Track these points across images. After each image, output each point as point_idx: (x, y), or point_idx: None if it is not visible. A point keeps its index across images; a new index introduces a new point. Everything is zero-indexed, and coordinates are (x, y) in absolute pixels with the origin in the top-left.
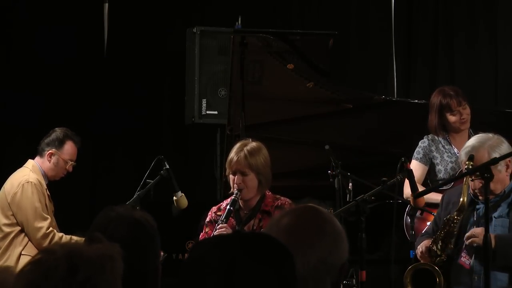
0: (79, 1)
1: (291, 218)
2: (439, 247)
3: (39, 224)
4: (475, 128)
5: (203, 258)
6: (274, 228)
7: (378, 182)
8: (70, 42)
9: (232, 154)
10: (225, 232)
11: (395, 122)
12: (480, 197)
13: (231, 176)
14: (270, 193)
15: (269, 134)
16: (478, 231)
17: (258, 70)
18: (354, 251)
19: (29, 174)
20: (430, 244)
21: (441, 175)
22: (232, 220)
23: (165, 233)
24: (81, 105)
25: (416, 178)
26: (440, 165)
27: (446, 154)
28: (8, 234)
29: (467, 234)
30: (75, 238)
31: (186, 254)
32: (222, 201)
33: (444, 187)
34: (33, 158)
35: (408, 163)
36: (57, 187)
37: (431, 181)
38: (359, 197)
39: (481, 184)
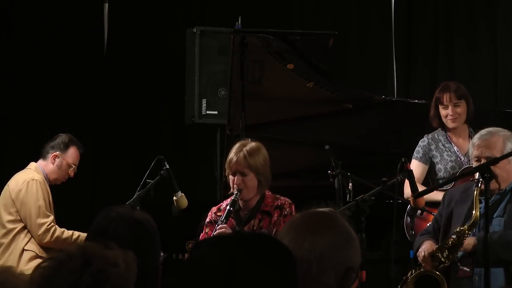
0: (79, 1)
1: (308, 212)
2: (444, 255)
3: (42, 221)
4: (475, 128)
5: (203, 259)
6: (290, 220)
7: (378, 182)
8: (70, 42)
9: (232, 155)
10: (225, 232)
11: (395, 122)
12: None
13: (230, 177)
14: (270, 193)
15: (269, 134)
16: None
17: (258, 70)
18: None
19: (34, 174)
20: (434, 251)
21: (441, 174)
22: (232, 220)
23: (165, 233)
24: (81, 105)
25: (415, 178)
26: (440, 164)
27: (446, 153)
28: (11, 230)
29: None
30: (77, 233)
31: (186, 254)
32: (222, 201)
33: (444, 187)
34: (35, 161)
35: (408, 163)
36: (57, 187)
37: (432, 180)
38: (359, 197)
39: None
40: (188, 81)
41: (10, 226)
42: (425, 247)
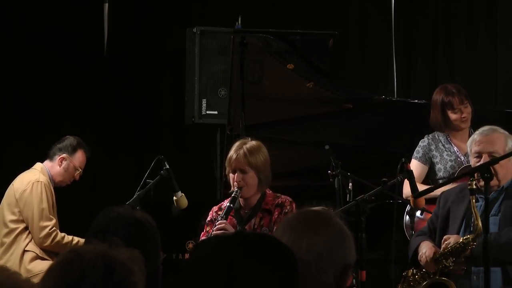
0: (79, 1)
1: (303, 211)
2: (449, 262)
3: (44, 224)
4: (476, 128)
5: (204, 259)
6: (285, 219)
7: (378, 182)
8: (70, 42)
9: (231, 152)
10: (224, 227)
11: (395, 122)
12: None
13: (231, 175)
14: (271, 191)
15: (269, 134)
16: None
17: (258, 70)
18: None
19: (39, 175)
20: (438, 257)
21: (441, 173)
22: (233, 219)
23: (165, 233)
24: (81, 104)
25: (415, 178)
26: (439, 164)
27: (446, 152)
28: (14, 230)
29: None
30: (76, 238)
31: (186, 254)
32: (223, 201)
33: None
34: (41, 162)
35: (408, 163)
36: (57, 187)
37: (432, 180)
38: (359, 197)
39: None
40: (188, 81)
41: (12, 225)
42: (427, 253)
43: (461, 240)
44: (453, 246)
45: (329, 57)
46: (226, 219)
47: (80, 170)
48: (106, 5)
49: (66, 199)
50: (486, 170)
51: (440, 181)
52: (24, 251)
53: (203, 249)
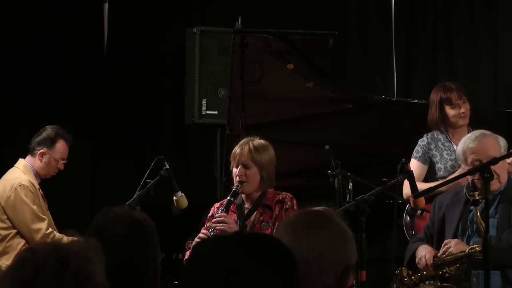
0: (79, 1)
1: (304, 211)
2: (452, 269)
3: (38, 226)
4: (475, 128)
5: (204, 258)
6: (286, 219)
7: (378, 182)
8: (70, 42)
9: (237, 147)
10: (224, 220)
11: (395, 122)
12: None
13: (234, 169)
14: (272, 189)
15: (269, 134)
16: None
17: (258, 70)
18: None
19: (20, 176)
20: (441, 264)
21: (441, 173)
22: (233, 214)
23: (165, 233)
24: (81, 104)
25: (415, 177)
26: (439, 163)
27: (446, 151)
28: (6, 236)
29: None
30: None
31: (186, 254)
32: (224, 199)
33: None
34: (24, 157)
35: (408, 164)
36: (57, 187)
37: (432, 180)
38: (359, 197)
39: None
40: (188, 81)
41: (4, 232)
42: (427, 256)
43: (467, 250)
44: (458, 255)
45: (329, 57)
46: (226, 212)
47: (63, 160)
48: (106, 5)
49: (66, 199)
50: (486, 170)
51: (441, 180)
52: None
53: (203, 249)
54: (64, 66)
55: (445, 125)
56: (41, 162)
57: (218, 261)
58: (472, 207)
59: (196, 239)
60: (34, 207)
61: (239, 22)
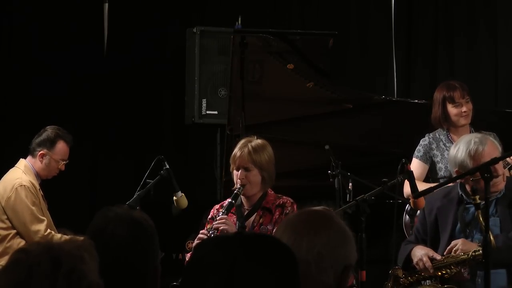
0: (79, 1)
1: (304, 211)
2: (453, 271)
3: (36, 227)
4: (476, 128)
5: (205, 259)
6: (286, 219)
7: (378, 182)
8: (70, 42)
9: (236, 150)
10: (225, 222)
11: (395, 122)
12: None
13: (234, 172)
14: (272, 192)
15: (269, 134)
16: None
17: (258, 70)
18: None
19: (21, 177)
20: (441, 266)
21: (441, 173)
22: (233, 216)
23: (165, 233)
24: (81, 104)
25: (415, 177)
26: (440, 163)
27: (447, 151)
28: (5, 236)
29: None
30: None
31: (186, 254)
32: (224, 200)
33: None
34: (25, 157)
35: (408, 164)
36: (57, 187)
37: (433, 180)
38: (359, 197)
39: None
40: (188, 81)
41: (4, 233)
42: (425, 259)
43: (471, 253)
44: (460, 258)
45: (329, 57)
46: (227, 214)
47: (64, 161)
48: (106, 5)
49: (66, 199)
50: (486, 170)
51: (441, 181)
52: None
53: (204, 249)
54: (64, 66)
55: (447, 124)
56: (41, 163)
57: (219, 261)
58: (470, 207)
59: (196, 240)
60: (34, 208)
61: (239, 22)
